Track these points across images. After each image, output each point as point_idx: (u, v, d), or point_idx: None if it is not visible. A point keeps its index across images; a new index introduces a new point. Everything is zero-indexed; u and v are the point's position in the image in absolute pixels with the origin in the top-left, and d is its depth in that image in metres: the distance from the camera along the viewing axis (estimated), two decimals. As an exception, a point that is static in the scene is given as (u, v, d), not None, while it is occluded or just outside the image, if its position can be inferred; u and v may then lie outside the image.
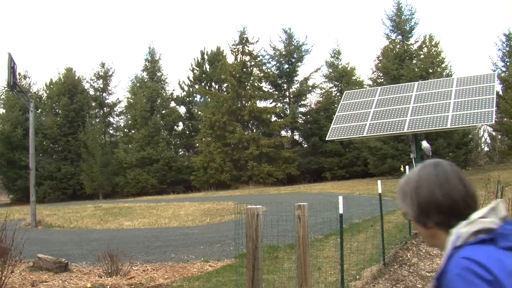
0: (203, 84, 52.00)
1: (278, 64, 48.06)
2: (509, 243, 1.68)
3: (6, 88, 19.73)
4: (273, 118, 45.80)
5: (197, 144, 47.24)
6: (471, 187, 1.87)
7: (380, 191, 9.12)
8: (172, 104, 51.73)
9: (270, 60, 48.44)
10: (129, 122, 50.23)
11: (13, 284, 8.13)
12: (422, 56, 37.85)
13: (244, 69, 44.30)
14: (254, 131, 45.34)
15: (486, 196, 11.22)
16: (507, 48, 38.85)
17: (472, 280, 1.57)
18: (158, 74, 50.93)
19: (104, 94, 54.01)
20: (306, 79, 47.86)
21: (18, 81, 27.16)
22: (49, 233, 16.37)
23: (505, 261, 1.61)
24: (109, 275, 8.65)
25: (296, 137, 49.04)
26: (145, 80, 50.09)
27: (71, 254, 11.12)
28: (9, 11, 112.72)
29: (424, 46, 38.33)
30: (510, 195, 10.33)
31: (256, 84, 44.85)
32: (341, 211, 6.52)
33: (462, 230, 1.73)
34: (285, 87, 48.46)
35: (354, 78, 45.69)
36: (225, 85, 48.46)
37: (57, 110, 49.57)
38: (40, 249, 11.25)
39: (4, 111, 48.98)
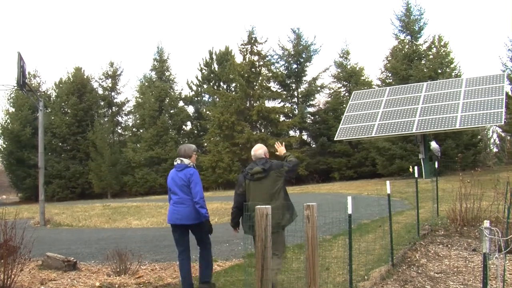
0: (211, 83, 52.06)
1: (286, 64, 48.07)
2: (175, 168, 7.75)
3: (15, 87, 19.78)
4: (282, 118, 45.75)
5: (206, 144, 47.32)
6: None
7: (389, 191, 9.08)
8: (181, 103, 51.83)
9: (279, 60, 48.52)
10: (138, 121, 50.49)
11: (23, 282, 8.17)
12: (431, 57, 37.67)
13: (253, 69, 44.24)
14: (263, 131, 45.31)
15: (496, 197, 11.16)
16: (517, 49, 38.65)
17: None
18: (167, 73, 51.10)
19: (112, 94, 54.36)
20: (314, 79, 47.87)
21: (28, 80, 27.28)
22: (58, 232, 16.43)
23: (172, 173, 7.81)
24: (118, 274, 8.68)
25: (305, 137, 49.01)
26: (154, 79, 50.29)
27: (79, 253, 11.16)
28: (19, 11, 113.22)
29: (433, 46, 38.17)
30: (519, 196, 10.26)
31: (264, 84, 44.78)
32: (350, 212, 6.50)
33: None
34: (293, 87, 48.42)
35: (362, 78, 45.61)
36: (234, 85, 48.59)
37: (66, 109, 49.87)
38: (49, 248, 11.30)
39: (13, 110, 49.21)
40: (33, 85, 48.10)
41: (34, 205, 29.52)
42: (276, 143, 7.91)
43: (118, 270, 8.73)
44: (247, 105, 44.04)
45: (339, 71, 46.66)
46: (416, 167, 12.00)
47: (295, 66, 47.85)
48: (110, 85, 53.98)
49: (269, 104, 45.62)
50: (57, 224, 18.70)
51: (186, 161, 7.72)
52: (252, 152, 7.48)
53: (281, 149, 7.69)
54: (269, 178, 7.05)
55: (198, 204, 7.47)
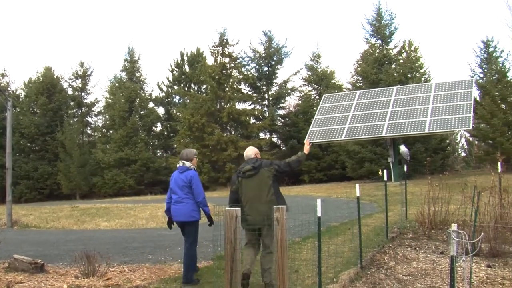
0: (182, 85, 51.87)
1: (257, 67, 48.03)
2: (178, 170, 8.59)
3: (-17, 86, 19.50)
4: (252, 120, 45.68)
5: (175, 145, 47.07)
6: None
7: (358, 194, 9.15)
8: (151, 104, 51.52)
9: (250, 62, 48.42)
10: (107, 122, 50.01)
11: (-12, 285, 8.05)
12: (401, 61, 37.97)
13: (224, 71, 44.19)
14: (233, 133, 45.21)
15: (463, 200, 11.30)
16: (485, 55, 39.25)
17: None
18: (137, 74, 50.78)
19: (82, 94, 53.63)
20: (285, 82, 47.91)
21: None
22: (25, 234, 16.22)
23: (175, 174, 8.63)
24: (86, 276, 8.59)
25: (275, 139, 49.04)
26: (124, 80, 49.90)
27: (47, 255, 11.02)
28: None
29: (403, 51, 38.49)
30: (486, 200, 10.41)
31: (235, 86, 44.72)
32: (319, 214, 6.52)
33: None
34: (264, 90, 48.41)
35: (333, 81, 45.82)
36: (204, 86, 48.42)
37: (35, 109, 49.23)
38: (16, 250, 11.14)
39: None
40: (1, 84, 47.53)
41: (1, 206, 29.11)
42: (306, 139, 8.89)
43: (86, 272, 8.65)
44: (218, 107, 43.98)
45: (310, 74, 46.82)
46: (385, 171, 12.09)
47: (266, 68, 47.86)
48: (80, 85, 53.27)
49: (240, 106, 45.56)
50: (24, 226, 18.46)
51: (187, 164, 8.65)
52: (244, 154, 8.39)
53: (306, 147, 8.55)
54: (259, 175, 7.79)
55: (201, 204, 8.41)
